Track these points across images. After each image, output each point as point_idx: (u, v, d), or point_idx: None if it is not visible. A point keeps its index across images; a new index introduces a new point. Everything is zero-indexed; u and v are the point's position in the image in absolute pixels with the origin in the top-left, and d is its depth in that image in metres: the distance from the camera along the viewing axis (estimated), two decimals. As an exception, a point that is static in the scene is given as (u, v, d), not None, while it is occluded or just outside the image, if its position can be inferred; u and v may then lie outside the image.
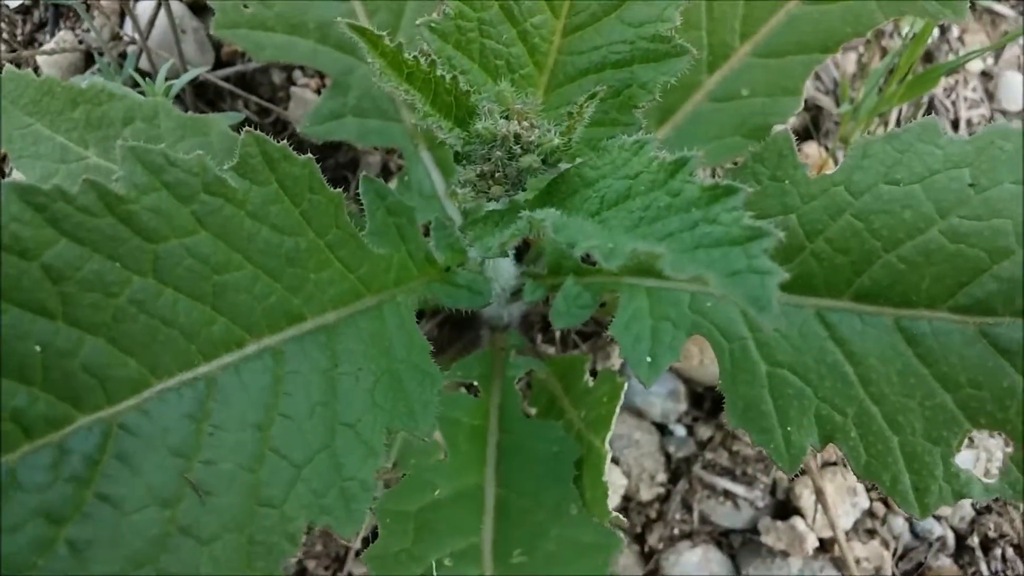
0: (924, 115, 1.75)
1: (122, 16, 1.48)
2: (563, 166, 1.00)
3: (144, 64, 1.43)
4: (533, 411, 1.35)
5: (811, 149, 1.70)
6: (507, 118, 0.96)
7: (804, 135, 1.73)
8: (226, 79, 1.48)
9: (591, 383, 1.25)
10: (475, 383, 1.25)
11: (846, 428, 1.02)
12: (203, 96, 1.50)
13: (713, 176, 1.57)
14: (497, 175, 0.95)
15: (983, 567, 1.54)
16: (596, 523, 1.05)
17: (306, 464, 0.90)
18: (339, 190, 1.01)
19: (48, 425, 0.81)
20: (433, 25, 1.01)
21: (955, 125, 1.77)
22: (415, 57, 0.94)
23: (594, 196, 0.92)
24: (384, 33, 0.91)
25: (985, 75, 1.81)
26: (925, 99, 1.75)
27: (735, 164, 1.12)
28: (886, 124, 1.73)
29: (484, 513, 1.09)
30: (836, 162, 1.70)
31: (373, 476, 0.91)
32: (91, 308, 0.84)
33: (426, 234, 1.18)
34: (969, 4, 1.19)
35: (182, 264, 0.90)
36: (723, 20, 1.27)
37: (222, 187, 0.92)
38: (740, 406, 1.07)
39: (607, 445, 1.10)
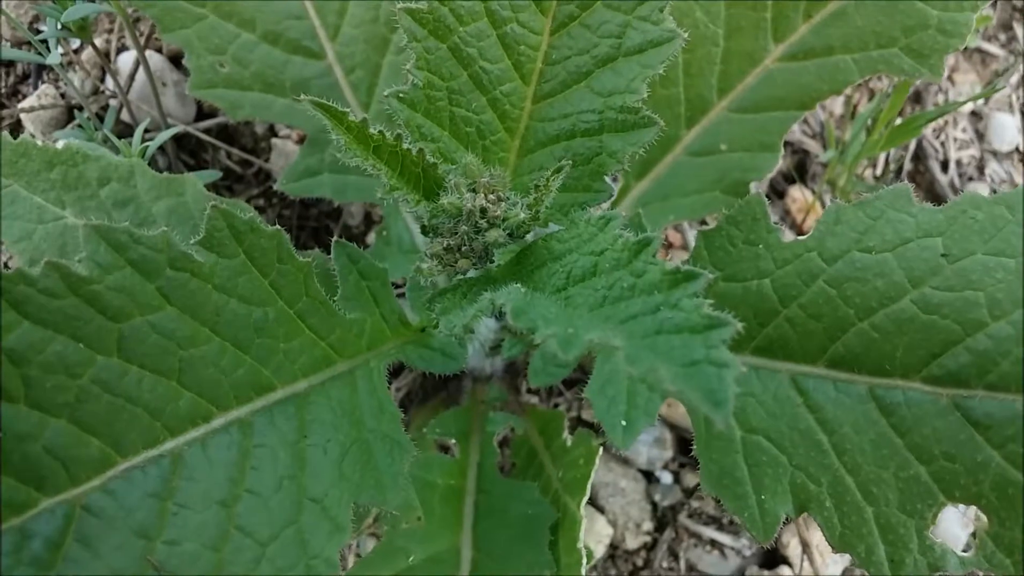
0: (912, 157, 1.75)
1: (104, 70, 1.48)
2: (532, 236, 1.00)
3: (126, 117, 1.44)
4: (514, 462, 1.35)
5: (797, 193, 1.69)
6: (474, 191, 0.96)
7: (790, 179, 1.72)
8: (207, 131, 1.49)
9: (569, 441, 1.24)
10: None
11: (820, 498, 1.01)
12: (185, 147, 1.51)
13: (692, 240, 1.57)
14: (464, 248, 0.95)
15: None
16: (569, 592, 1.05)
17: (271, 542, 0.90)
18: (308, 259, 1.01)
19: (10, 510, 0.81)
20: (401, 95, 1.01)
21: (944, 166, 1.76)
22: (380, 131, 0.94)
23: (561, 271, 0.92)
24: (347, 110, 0.91)
25: (975, 115, 1.80)
26: (914, 140, 1.74)
27: (704, 223, 1.11)
28: (874, 166, 1.72)
29: (459, 580, 1.08)
30: (823, 205, 1.69)
31: (338, 553, 0.91)
32: (54, 390, 0.84)
33: (401, 296, 1.18)
34: (952, 54, 1.18)
35: (147, 341, 0.90)
36: (700, 76, 1.27)
37: (188, 262, 0.92)
38: (715, 472, 1.06)
39: (582, 510, 1.09)
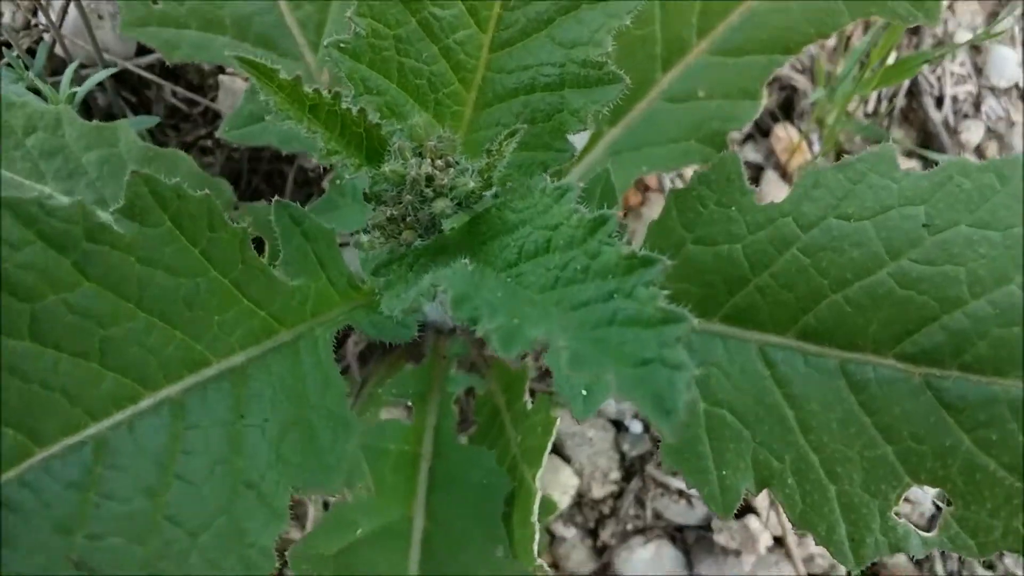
0: (906, 92, 1.66)
1: (36, 1, 1.37)
2: (487, 199, 0.92)
3: (61, 52, 1.33)
4: (476, 420, 1.31)
5: (783, 132, 1.60)
6: (421, 156, 0.88)
7: (778, 116, 1.63)
8: (149, 68, 1.38)
9: (529, 405, 1.19)
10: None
11: (783, 475, 0.97)
12: (127, 84, 1.41)
13: (669, 183, 1.49)
14: (409, 219, 0.87)
15: (939, 567, 1.52)
16: (520, 569, 1.01)
17: (203, 532, 0.85)
18: (244, 225, 0.94)
19: (-81, 506, 0.77)
20: (343, 45, 0.92)
21: (939, 103, 1.67)
22: (316, 89, 0.86)
23: (513, 245, 0.85)
24: (279, 67, 0.83)
25: (974, 48, 1.70)
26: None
27: (679, 188, 1.03)
28: (866, 103, 1.63)
29: (410, 552, 1.05)
30: (811, 146, 1.61)
31: (275, 542, 0.87)
32: (-41, 381, 0.78)
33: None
34: (945, -1, 1.09)
35: (63, 321, 0.83)
36: (679, 15, 1.17)
37: (107, 233, 0.85)
38: (676, 445, 1.02)
39: (538, 483, 1.05)
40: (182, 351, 0.91)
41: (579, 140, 1.16)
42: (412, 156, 0.87)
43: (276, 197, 1.01)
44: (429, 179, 0.86)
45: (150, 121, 1.20)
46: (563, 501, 1.46)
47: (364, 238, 0.87)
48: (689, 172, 1.54)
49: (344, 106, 0.87)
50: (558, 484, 1.46)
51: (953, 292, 0.89)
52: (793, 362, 0.98)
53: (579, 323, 0.74)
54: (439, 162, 0.87)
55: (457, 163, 0.89)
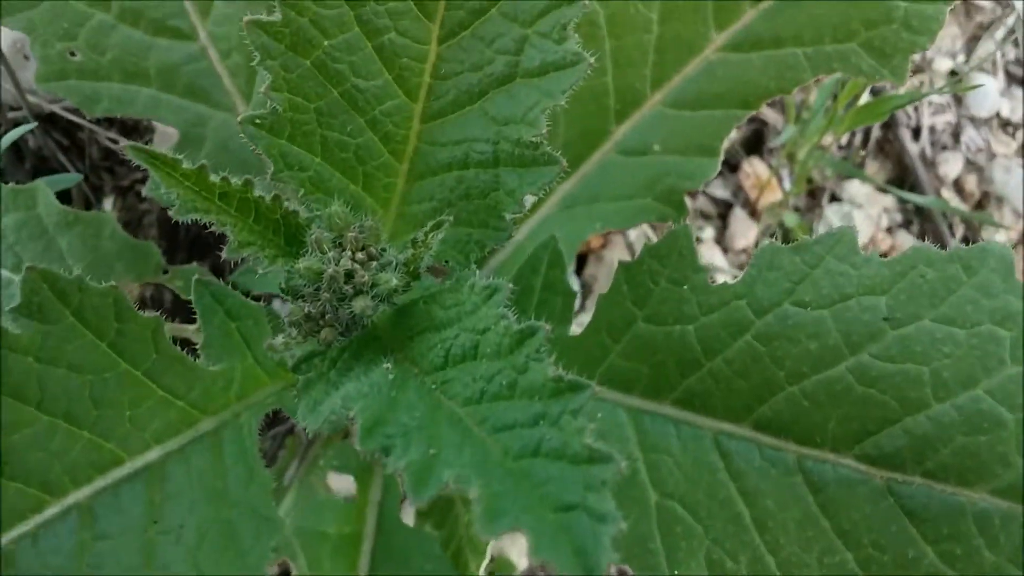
0: (882, 125, 1.59)
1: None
2: (413, 291, 0.86)
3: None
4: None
5: (751, 167, 1.53)
6: (341, 247, 0.81)
7: (749, 149, 1.56)
8: (78, 110, 1.30)
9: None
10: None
11: None
12: (58, 125, 1.33)
13: (629, 248, 1.42)
14: (328, 316, 0.81)
15: None
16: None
17: (105, 660, 0.79)
18: (155, 315, 0.87)
19: None
20: (258, 121, 0.84)
21: (916, 134, 1.60)
22: (224, 177, 0.79)
23: (440, 346, 0.80)
24: (181, 156, 0.76)
25: (953, 75, 1.63)
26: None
27: (628, 261, 0.97)
28: (837, 139, 1.56)
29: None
30: (780, 182, 1.54)
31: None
32: None
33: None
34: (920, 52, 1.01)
35: (-48, 435, 0.77)
36: (631, 65, 1.09)
37: (1, 336, 0.79)
38: (627, 539, 0.96)
39: (482, 573, 1.00)
40: (90, 452, 0.86)
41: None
42: (331, 248, 0.81)
43: (196, 277, 0.94)
44: (349, 275, 0.79)
45: (70, 181, 1.13)
46: (521, 563, 1.40)
47: (279, 339, 0.80)
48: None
49: (256, 193, 0.80)
50: (516, 544, 1.40)
51: (915, 394, 0.83)
52: (748, 454, 0.92)
53: (503, 450, 0.69)
54: (360, 255, 0.80)
55: (382, 253, 0.82)
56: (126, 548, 0.84)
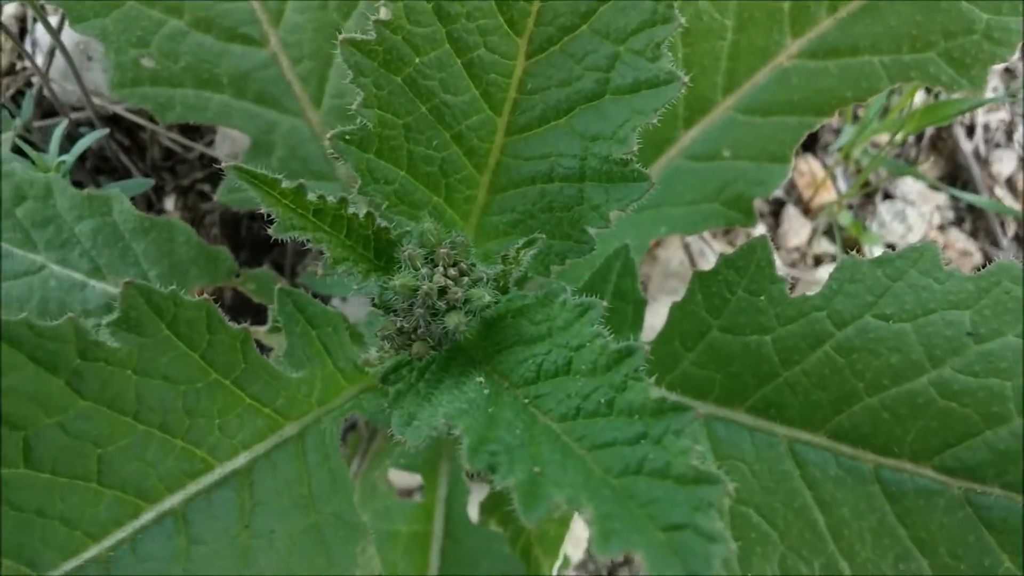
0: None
1: (22, 36, 1.29)
2: (499, 305, 0.87)
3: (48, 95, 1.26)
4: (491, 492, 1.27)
5: (806, 166, 1.53)
6: (432, 263, 0.82)
7: (804, 147, 1.56)
8: (141, 110, 1.31)
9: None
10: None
11: (812, 581, 0.93)
12: (120, 125, 1.34)
13: (685, 248, 1.43)
14: (420, 331, 0.82)
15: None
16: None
17: (209, 659, 0.82)
18: (244, 326, 0.89)
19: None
20: (348, 137, 0.85)
21: (970, 132, 1.59)
22: (321, 195, 0.80)
23: (531, 361, 0.81)
24: (281, 176, 0.77)
25: (1008, 71, 1.62)
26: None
27: (703, 271, 0.98)
28: (893, 132, 1.55)
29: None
30: (835, 182, 1.54)
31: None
32: (-50, 518, 0.74)
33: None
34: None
35: (57, 445, 0.79)
36: (702, 73, 1.10)
37: (100, 348, 0.81)
38: (699, 543, 0.98)
39: (555, 572, 1.02)
40: (183, 460, 0.87)
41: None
42: (423, 265, 0.82)
43: (279, 285, 0.96)
44: (442, 291, 0.80)
45: (141, 186, 1.14)
46: (575, 556, 1.42)
47: (373, 353, 0.82)
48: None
49: (350, 211, 0.82)
50: (571, 537, 1.42)
51: (998, 408, 0.84)
52: (825, 464, 0.94)
53: (604, 468, 0.70)
54: (452, 271, 0.81)
55: (472, 268, 0.83)
56: (221, 552, 0.86)
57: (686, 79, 0.80)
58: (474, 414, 0.75)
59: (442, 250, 0.82)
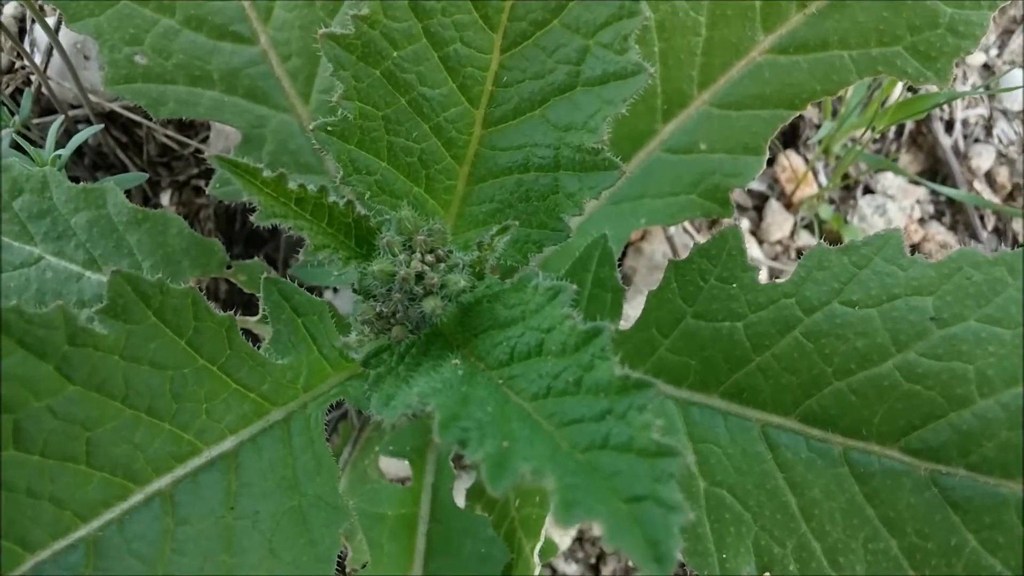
0: (915, 121, 1.61)
1: (21, 35, 1.33)
2: (476, 291, 0.90)
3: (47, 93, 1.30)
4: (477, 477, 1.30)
5: (787, 161, 1.56)
6: (410, 249, 0.85)
7: (785, 143, 1.59)
8: (138, 107, 1.34)
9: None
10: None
11: (784, 561, 0.96)
12: (116, 122, 1.37)
13: (669, 241, 1.45)
14: (399, 315, 0.85)
15: None
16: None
17: (192, 636, 0.85)
18: (229, 314, 0.91)
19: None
20: (330, 128, 0.88)
21: (949, 127, 1.62)
22: (301, 184, 0.83)
23: (505, 344, 0.83)
24: (261, 166, 0.80)
25: (987, 68, 1.64)
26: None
27: (678, 260, 1.01)
28: (873, 127, 1.58)
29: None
30: (816, 176, 1.57)
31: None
32: (-58, 496, 0.77)
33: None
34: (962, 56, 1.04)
35: (47, 428, 0.82)
36: (678, 67, 1.12)
37: (88, 335, 0.83)
38: (675, 525, 1.00)
39: (536, 557, 1.04)
40: (170, 443, 0.90)
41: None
42: (401, 251, 0.85)
43: (265, 275, 0.99)
44: (419, 277, 0.83)
45: (136, 180, 1.17)
46: (563, 542, 1.45)
47: (353, 337, 0.84)
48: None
49: (331, 199, 0.84)
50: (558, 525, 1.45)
51: (961, 390, 0.86)
52: (796, 446, 0.96)
53: (571, 443, 0.73)
54: (429, 257, 0.84)
55: (448, 255, 0.86)
56: (206, 533, 0.89)
57: (652, 70, 0.83)
58: (447, 392, 0.78)
59: (419, 237, 0.84)
